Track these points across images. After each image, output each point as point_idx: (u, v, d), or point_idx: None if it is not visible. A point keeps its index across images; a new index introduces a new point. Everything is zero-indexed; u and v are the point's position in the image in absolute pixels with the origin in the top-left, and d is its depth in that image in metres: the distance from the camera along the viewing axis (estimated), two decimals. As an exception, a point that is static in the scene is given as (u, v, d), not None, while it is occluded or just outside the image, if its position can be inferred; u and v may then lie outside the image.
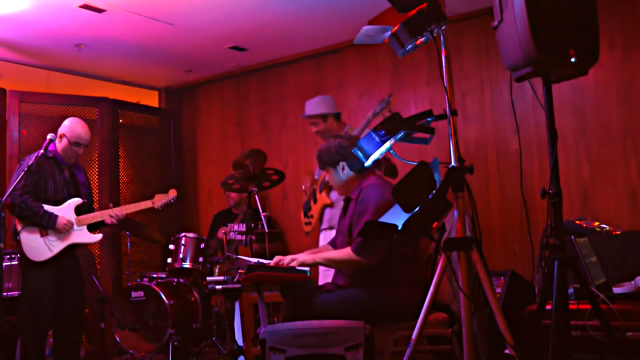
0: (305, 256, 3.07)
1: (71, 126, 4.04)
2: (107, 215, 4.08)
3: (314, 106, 4.51)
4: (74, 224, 3.98)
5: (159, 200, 4.29)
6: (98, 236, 4.11)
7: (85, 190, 4.17)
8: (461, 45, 4.94)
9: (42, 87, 6.10)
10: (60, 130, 4.03)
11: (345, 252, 2.98)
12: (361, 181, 3.12)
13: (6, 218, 3.60)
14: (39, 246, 3.90)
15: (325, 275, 4.15)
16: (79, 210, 4.04)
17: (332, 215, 4.42)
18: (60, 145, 4.01)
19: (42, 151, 3.88)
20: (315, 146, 4.65)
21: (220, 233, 5.30)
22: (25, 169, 3.77)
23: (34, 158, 3.85)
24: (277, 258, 3.07)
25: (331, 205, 4.42)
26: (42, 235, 3.91)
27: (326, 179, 4.44)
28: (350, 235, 3.07)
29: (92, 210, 4.19)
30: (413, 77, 5.20)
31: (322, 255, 3.11)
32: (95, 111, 5.91)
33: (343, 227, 3.16)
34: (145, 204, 4.27)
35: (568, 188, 4.39)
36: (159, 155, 6.50)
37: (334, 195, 4.42)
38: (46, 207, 3.93)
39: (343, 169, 3.14)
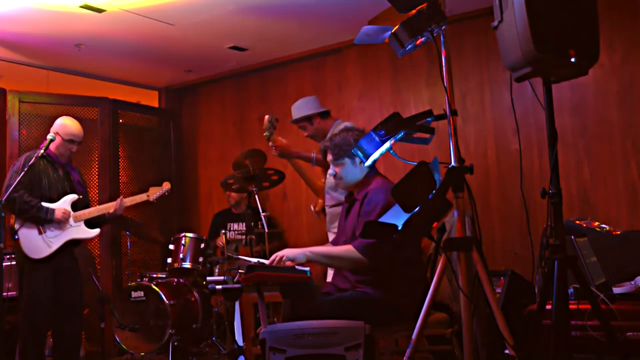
0: (296, 251, 2.97)
1: (64, 124, 4.07)
2: (105, 209, 4.14)
3: (297, 110, 4.35)
4: (71, 214, 4.00)
5: (154, 192, 4.37)
6: (96, 231, 4.12)
7: (81, 189, 4.19)
8: (461, 46, 4.94)
9: (42, 87, 6.10)
10: (53, 129, 4.05)
11: (346, 249, 2.95)
12: (366, 182, 3.08)
13: (5, 218, 3.61)
14: (38, 243, 3.91)
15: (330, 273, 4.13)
16: (74, 207, 4.06)
17: (327, 218, 4.33)
18: (54, 143, 4.02)
19: (42, 151, 3.88)
20: (315, 146, 4.63)
21: (219, 242, 5.28)
22: (26, 169, 3.77)
23: (34, 158, 3.85)
24: (272, 257, 3.04)
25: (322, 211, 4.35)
26: (40, 233, 3.92)
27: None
28: (354, 237, 3.05)
29: (88, 207, 4.20)
30: (413, 78, 5.20)
31: (318, 250, 3.05)
32: (95, 111, 5.91)
33: (347, 229, 3.13)
34: (141, 197, 4.34)
35: (568, 188, 4.39)
36: (159, 155, 6.51)
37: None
38: (42, 203, 3.94)
39: (361, 162, 3.02)
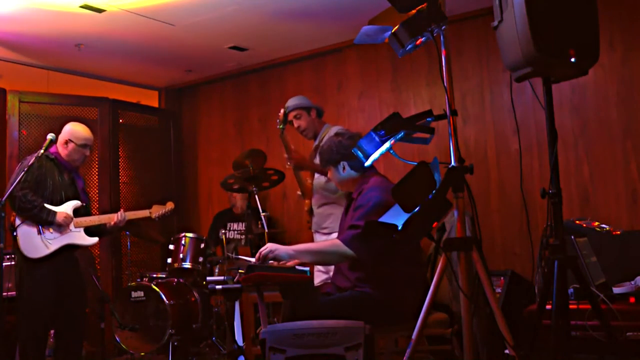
0: (281, 249, 2.97)
1: (75, 130, 4.06)
2: (107, 219, 4.11)
3: (297, 99, 4.41)
4: (72, 218, 3.99)
5: (157, 211, 4.37)
6: (94, 239, 4.10)
7: (84, 198, 4.19)
8: (461, 46, 4.94)
9: (42, 87, 6.10)
10: (64, 137, 4.03)
11: (332, 243, 2.97)
12: (363, 181, 3.10)
13: (5, 217, 3.60)
14: (36, 242, 3.89)
15: (318, 276, 4.13)
16: (75, 214, 4.05)
17: (315, 220, 4.33)
18: (66, 149, 4.01)
19: (42, 151, 3.88)
20: (305, 142, 4.64)
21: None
22: (26, 169, 3.77)
23: (34, 158, 3.85)
24: (258, 253, 3.01)
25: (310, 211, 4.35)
26: (39, 233, 3.92)
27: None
28: None
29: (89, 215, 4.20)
30: (413, 78, 5.21)
31: (301, 247, 3.06)
32: (95, 111, 5.91)
33: (345, 227, 3.14)
34: (143, 213, 4.32)
35: (568, 188, 4.39)
36: (159, 155, 6.50)
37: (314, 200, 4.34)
38: (45, 205, 3.93)
39: (344, 168, 3.12)
